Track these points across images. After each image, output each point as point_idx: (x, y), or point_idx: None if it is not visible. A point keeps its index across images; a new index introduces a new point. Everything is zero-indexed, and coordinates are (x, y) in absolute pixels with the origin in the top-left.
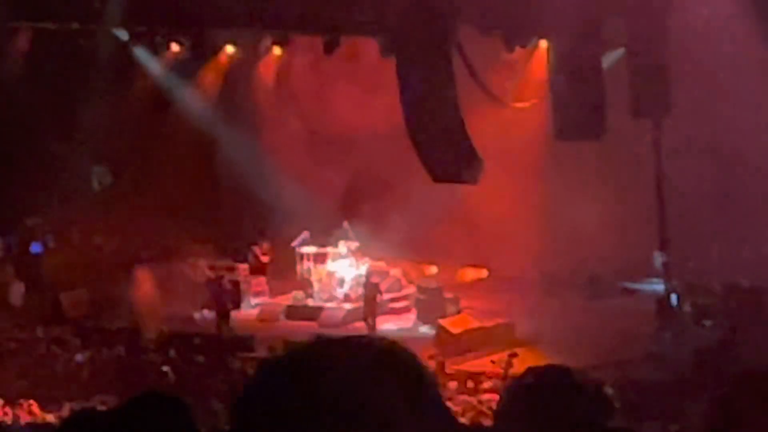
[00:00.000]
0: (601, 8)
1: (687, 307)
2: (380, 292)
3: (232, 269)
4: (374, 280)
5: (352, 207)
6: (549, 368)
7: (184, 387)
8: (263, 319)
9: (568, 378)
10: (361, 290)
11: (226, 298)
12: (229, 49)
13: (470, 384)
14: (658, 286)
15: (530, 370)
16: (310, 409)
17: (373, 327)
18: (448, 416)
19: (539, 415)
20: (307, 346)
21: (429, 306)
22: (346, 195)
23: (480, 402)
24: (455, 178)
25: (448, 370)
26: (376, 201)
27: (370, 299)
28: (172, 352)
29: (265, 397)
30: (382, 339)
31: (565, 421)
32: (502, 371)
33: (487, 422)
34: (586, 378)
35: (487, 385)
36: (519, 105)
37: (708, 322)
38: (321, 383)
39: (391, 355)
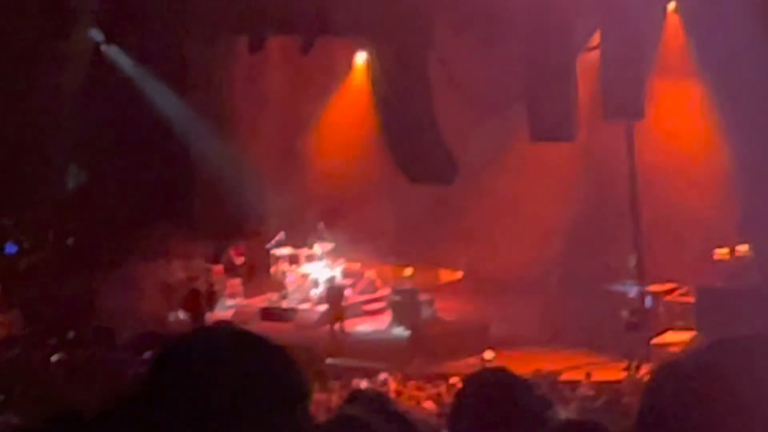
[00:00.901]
0: (573, 12)
1: (659, 307)
2: (344, 296)
3: (207, 271)
4: (343, 284)
5: (328, 209)
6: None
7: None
8: (238, 320)
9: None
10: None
11: (201, 299)
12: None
13: (443, 385)
14: (632, 288)
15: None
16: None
17: (342, 331)
18: (303, 415)
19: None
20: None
21: (404, 308)
22: (323, 197)
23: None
24: (430, 180)
25: (424, 372)
26: (353, 203)
27: (336, 303)
28: (148, 354)
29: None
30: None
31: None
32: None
33: None
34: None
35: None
36: (492, 108)
37: (679, 323)
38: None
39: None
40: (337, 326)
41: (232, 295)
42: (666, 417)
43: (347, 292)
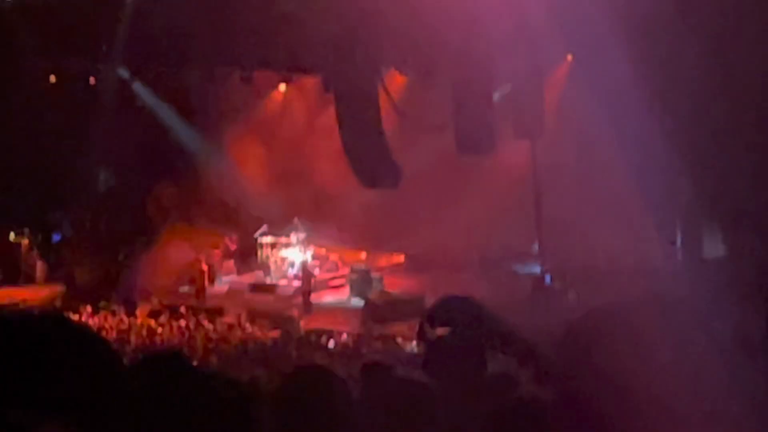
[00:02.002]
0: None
1: (557, 284)
2: (314, 275)
3: (208, 254)
4: (313, 265)
5: (301, 207)
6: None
7: (171, 345)
8: (231, 293)
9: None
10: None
11: (203, 276)
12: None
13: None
14: (536, 268)
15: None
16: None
17: (308, 300)
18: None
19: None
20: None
21: (359, 283)
22: (297, 198)
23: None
24: (380, 184)
25: (374, 334)
26: (320, 203)
27: (306, 280)
28: (161, 318)
29: None
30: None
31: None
32: (416, 335)
33: None
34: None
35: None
36: (430, 128)
37: (571, 294)
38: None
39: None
40: (307, 297)
41: (227, 273)
42: (570, 357)
43: (316, 271)
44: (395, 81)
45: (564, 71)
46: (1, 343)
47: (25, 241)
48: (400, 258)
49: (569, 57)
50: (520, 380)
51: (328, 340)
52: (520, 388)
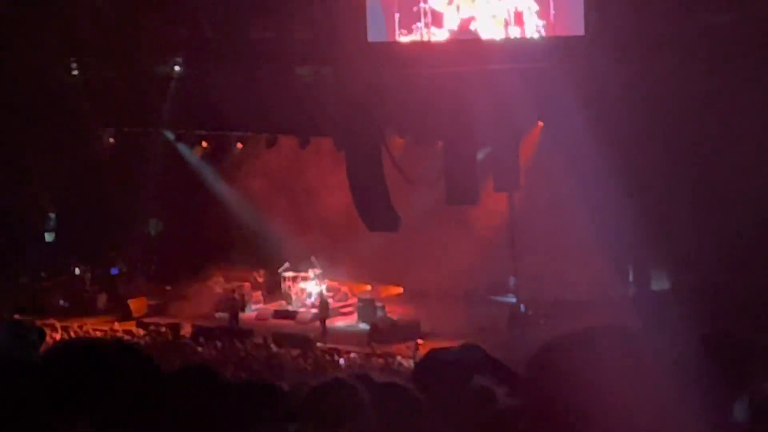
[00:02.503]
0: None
1: (529, 312)
2: (329, 304)
3: (240, 286)
4: (327, 295)
5: (317, 248)
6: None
7: (208, 361)
8: (259, 318)
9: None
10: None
11: (236, 305)
12: (239, 145)
13: (390, 360)
14: (512, 298)
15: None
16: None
17: (324, 325)
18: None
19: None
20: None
21: (366, 311)
22: (314, 241)
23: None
24: (382, 228)
25: (378, 353)
26: (333, 244)
27: (323, 308)
28: (201, 339)
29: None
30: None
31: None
32: (411, 353)
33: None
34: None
35: (401, 360)
36: (424, 183)
37: (541, 321)
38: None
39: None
40: (323, 322)
41: (256, 302)
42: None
43: (330, 300)
44: (396, 143)
45: (536, 134)
46: (73, 364)
47: (88, 275)
48: (400, 290)
49: (540, 123)
50: (498, 394)
51: (339, 357)
52: (498, 401)
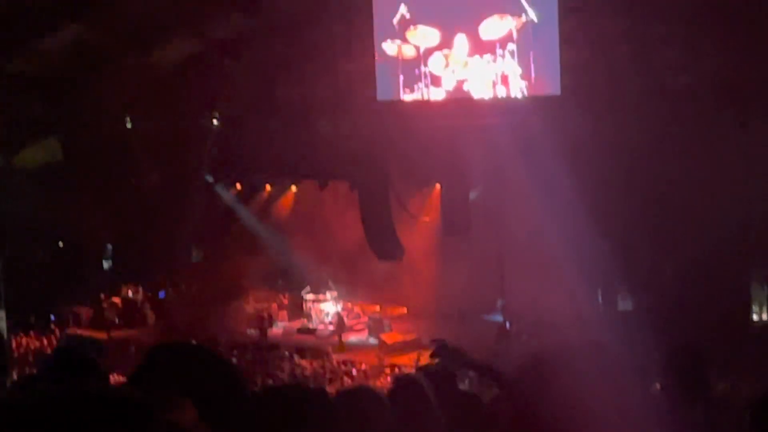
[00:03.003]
0: (466, 165)
1: (514, 329)
2: (344, 321)
3: (268, 307)
4: (342, 314)
5: (334, 274)
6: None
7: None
8: (284, 334)
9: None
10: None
11: (265, 322)
12: (268, 187)
13: (396, 371)
14: (499, 317)
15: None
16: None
17: (339, 340)
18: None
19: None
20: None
21: (375, 327)
22: (332, 268)
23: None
24: (388, 257)
25: (385, 363)
26: (347, 271)
27: (339, 325)
28: (235, 352)
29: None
30: None
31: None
32: (414, 363)
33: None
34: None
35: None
36: (425, 218)
37: (524, 336)
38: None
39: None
40: (339, 338)
41: (282, 320)
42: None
43: (345, 318)
44: (400, 185)
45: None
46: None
47: (139, 297)
48: (404, 309)
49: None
50: (485, 399)
51: (352, 368)
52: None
